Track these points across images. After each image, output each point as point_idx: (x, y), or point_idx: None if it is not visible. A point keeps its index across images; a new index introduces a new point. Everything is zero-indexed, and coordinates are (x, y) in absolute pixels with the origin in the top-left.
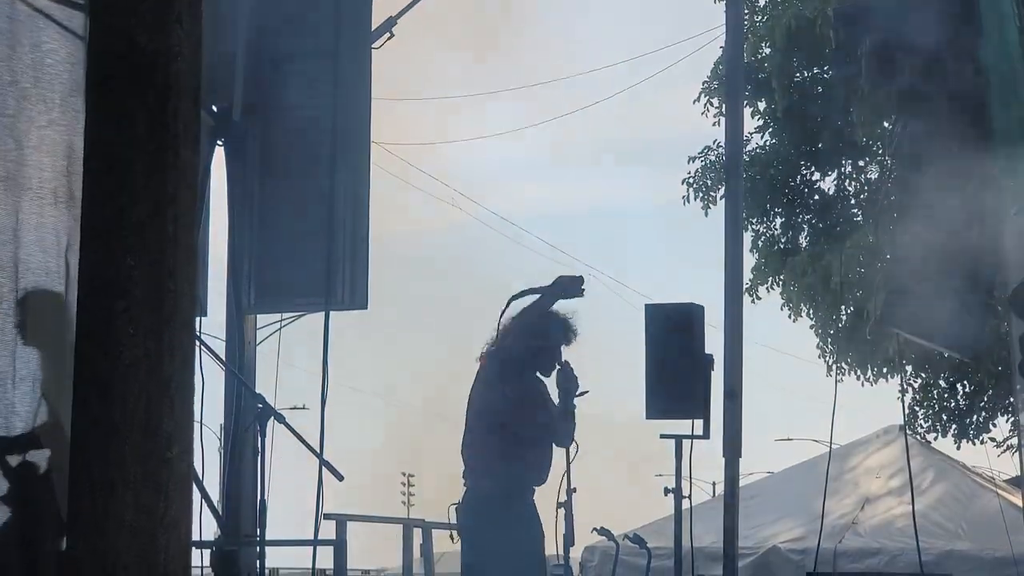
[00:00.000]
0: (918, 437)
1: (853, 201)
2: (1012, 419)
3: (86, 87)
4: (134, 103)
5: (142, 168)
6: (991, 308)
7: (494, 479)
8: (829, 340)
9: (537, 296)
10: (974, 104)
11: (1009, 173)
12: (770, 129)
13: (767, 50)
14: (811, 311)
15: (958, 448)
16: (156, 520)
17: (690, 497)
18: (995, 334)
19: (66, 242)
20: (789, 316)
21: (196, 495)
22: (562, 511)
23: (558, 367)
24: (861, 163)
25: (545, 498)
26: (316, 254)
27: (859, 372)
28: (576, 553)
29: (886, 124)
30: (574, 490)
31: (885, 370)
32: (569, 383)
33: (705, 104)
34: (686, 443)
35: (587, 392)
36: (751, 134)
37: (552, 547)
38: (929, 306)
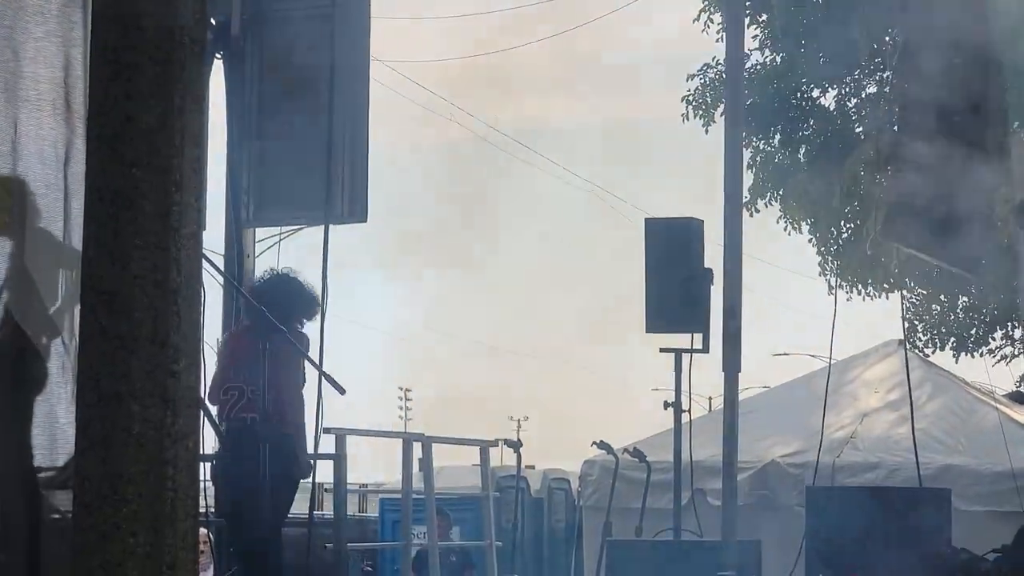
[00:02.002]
0: (917, 352)
1: (854, 116)
2: (1008, 333)
3: None
4: (140, 10)
5: (149, 76)
6: (992, 222)
7: None
8: (830, 258)
9: None
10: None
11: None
12: (768, 44)
13: None
14: (811, 228)
15: (956, 362)
16: (163, 432)
17: (689, 411)
18: (997, 248)
19: (64, 153)
20: (785, 230)
21: None
22: None
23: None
24: (859, 74)
25: None
26: (315, 167)
27: (859, 287)
28: (575, 467)
29: (887, 38)
30: None
31: (886, 286)
32: None
33: (705, 22)
34: (685, 357)
35: None
36: (751, 51)
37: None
38: (930, 221)
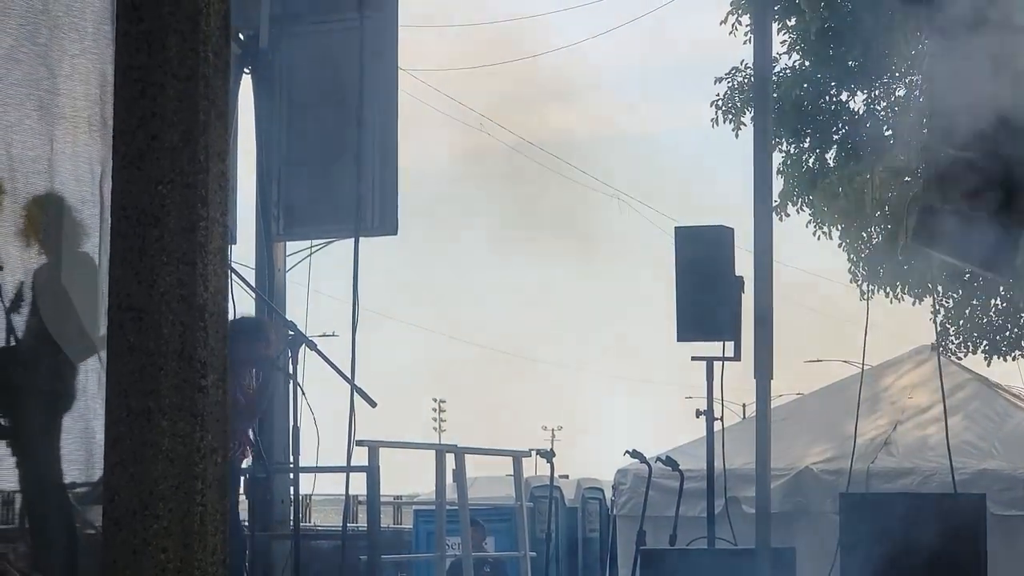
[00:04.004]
0: (950, 356)
1: (883, 120)
2: None
3: (117, 12)
4: (164, 27)
5: (173, 94)
6: None
7: None
8: (861, 264)
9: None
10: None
11: None
12: (797, 48)
13: None
14: (842, 233)
15: (988, 365)
16: (192, 448)
17: (722, 419)
18: None
19: (100, 171)
20: (814, 234)
21: None
22: None
23: None
24: (888, 78)
25: None
26: (345, 180)
27: (889, 291)
28: (608, 476)
29: (917, 43)
30: None
31: (918, 291)
32: None
33: (733, 24)
34: (717, 365)
35: None
36: (779, 55)
37: None
38: (962, 225)
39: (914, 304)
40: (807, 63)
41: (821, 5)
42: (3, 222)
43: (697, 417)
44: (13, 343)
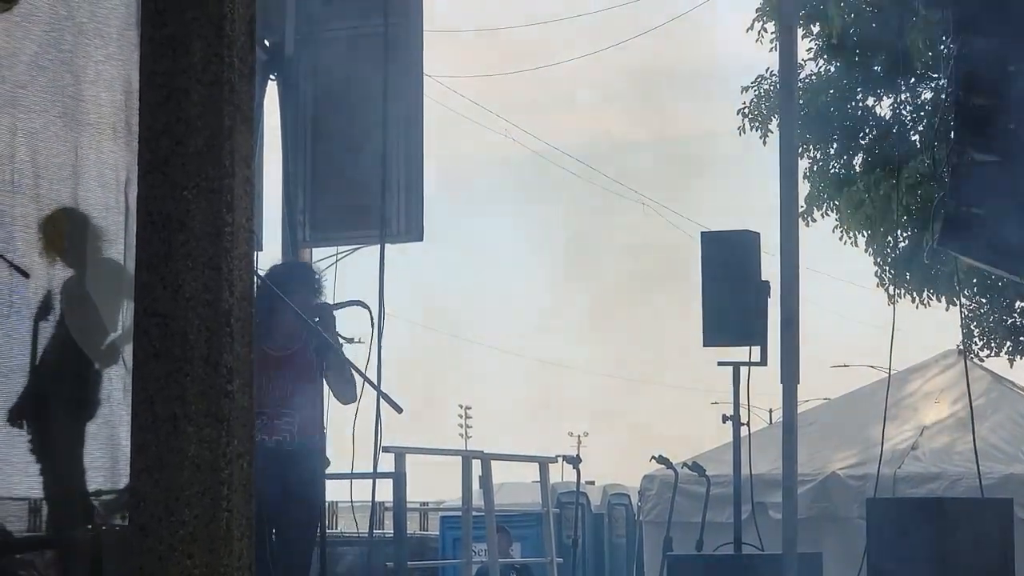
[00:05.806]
0: (974, 358)
1: (910, 124)
2: None
3: (141, 17)
4: (189, 32)
5: (198, 99)
6: None
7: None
8: (888, 268)
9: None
10: None
11: None
12: (824, 55)
13: None
14: (868, 238)
15: (1011, 366)
16: (218, 453)
17: (748, 424)
18: None
19: (125, 177)
20: (841, 239)
21: None
22: None
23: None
24: (914, 82)
25: None
26: (371, 187)
27: (915, 295)
28: (635, 482)
29: (942, 47)
30: None
31: (948, 294)
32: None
33: (759, 32)
34: (743, 370)
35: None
36: (805, 61)
37: None
38: (988, 229)
39: (947, 309)
40: (832, 69)
41: (845, 12)
42: (29, 230)
43: (723, 422)
44: (39, 353)
